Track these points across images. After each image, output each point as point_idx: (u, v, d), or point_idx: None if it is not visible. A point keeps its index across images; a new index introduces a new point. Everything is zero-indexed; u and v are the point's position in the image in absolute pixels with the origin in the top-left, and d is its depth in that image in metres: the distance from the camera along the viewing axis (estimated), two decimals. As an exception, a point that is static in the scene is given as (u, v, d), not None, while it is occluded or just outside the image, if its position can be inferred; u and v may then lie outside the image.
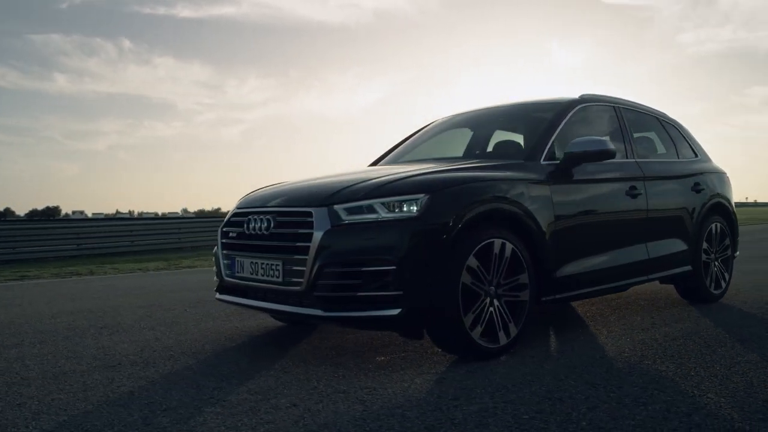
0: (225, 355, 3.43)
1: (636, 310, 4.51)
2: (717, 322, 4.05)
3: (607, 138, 3.80)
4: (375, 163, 4.89)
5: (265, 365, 3.17)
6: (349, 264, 2.95)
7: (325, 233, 3.00)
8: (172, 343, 3.76)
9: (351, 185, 3.22)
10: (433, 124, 5.10)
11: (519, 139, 4.38)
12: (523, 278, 3.31)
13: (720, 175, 5.20)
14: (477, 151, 4.40)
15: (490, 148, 4.40)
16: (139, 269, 10.56)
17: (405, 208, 3.01)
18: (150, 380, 2.93)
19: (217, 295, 3.71)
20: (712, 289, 4.80)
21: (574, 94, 4.33)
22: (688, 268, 4.60)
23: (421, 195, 3.04)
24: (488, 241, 3.15)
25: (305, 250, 3.03)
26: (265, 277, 3.24)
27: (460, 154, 4.48)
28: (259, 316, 4.58)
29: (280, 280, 3.15)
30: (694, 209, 4.70)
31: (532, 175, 3.54)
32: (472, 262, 3.08)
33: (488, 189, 3.27)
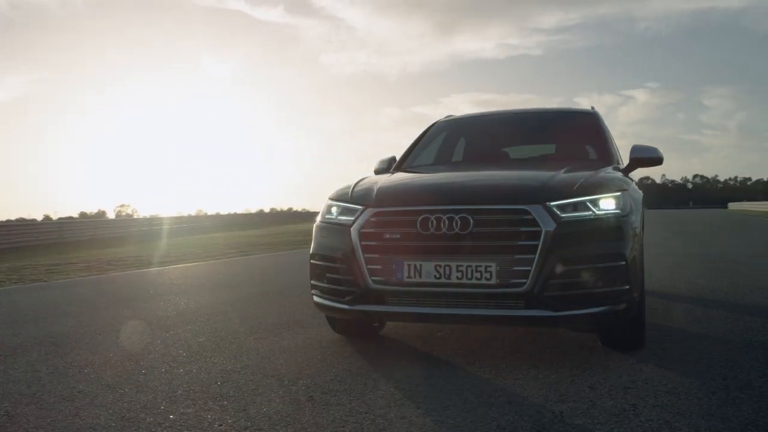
0: (398, 374, 3.07)
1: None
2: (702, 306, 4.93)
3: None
4: (397, 167, 4.53)
5: (467, 375, 2.97)
6: (584, 261, 2.97)
7: (553, 231, 2.94)
8: (313, 372, 3.16)
9: (546, 183, 3.20)
10: (438, 128, 5.02)
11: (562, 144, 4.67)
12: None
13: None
14: (536, 154, 4.57)
15: (551, 152, 4.62)
16: None
17: (611, 206, 3.11)
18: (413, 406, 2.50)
19: (353, 307, 3.23)
20: (643, 285, 5.77)
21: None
22: None
23: (619, 193, 3.19)
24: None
25: (531, 249, 2.93)
26: (464, 281, 2.99)
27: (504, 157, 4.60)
28: (313, 329, 4.04)
29: (492, 282, 2.95)
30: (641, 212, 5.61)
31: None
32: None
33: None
